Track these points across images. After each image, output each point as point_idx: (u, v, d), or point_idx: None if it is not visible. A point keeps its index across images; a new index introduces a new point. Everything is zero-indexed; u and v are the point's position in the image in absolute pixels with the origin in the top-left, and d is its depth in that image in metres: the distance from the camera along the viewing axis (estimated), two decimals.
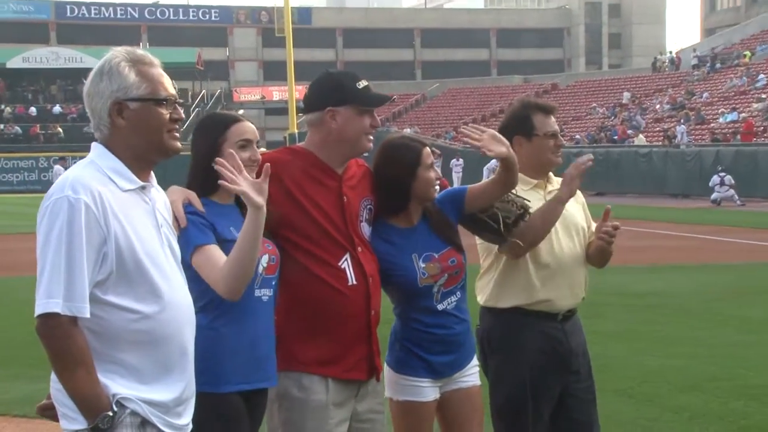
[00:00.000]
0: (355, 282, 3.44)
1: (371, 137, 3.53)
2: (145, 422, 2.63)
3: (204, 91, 58.08)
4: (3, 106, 54.11)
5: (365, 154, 3.66)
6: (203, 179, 3.30)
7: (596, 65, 76.88)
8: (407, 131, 50.30)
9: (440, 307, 3.66)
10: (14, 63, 56.40)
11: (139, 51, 2.78)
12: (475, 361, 3.86)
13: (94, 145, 2.77)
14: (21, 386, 7.22)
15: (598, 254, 4.15)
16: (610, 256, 4.22)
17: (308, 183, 3.46)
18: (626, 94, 50.17)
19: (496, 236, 3.84)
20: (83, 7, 70.85)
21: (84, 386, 2.54)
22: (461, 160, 38.81)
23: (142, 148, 2.73)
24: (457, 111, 57.93)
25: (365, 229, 3.58)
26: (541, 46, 78.13)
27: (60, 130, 51.17)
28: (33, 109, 54.03)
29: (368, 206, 3.61)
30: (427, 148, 3.74)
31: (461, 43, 76.35)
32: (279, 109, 57.47)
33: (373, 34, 75.44)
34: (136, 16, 71.77)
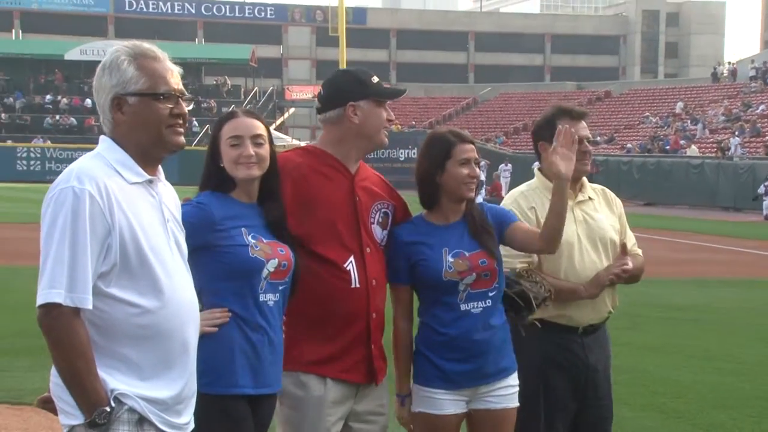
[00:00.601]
0: (358, 285, 3.43)
1: (387, 132, 3.57)
2: (142, 419, 2.61)
3: (256, 88, 58.35)
4: (59, 97, 54.89)
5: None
6: (215, 178, 3.29)
7: (652, 74, 76.05)
8: None
9: (463, 307, 3.56)
10: (72, 55, 57.17)
11: (146, 45, 2.75)
12: (511, 381, 3.67)
13: (102, 137, 2.76)
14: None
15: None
16: (641, 273, 4.12)
17: (320, 182, 3.45)
18: (680, 104, 49.55)
19: (516, 315, 3.75)
20: (141, 2, 71.73)
21: (83, 379, 2.52)
22: (509, 165, 38.60)
23: (143, 143, 2.71)
24: (508, 116, 57.66)
25: (377, 232, 3.56)
26: (596, 53, 77.47)
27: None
28: (88, 101, 54.61)
29: (383, 210, 3.60)
30: (467, 145, 3.65)
31: (515, 48, 75.97)
32: None
33: (427, 36, 75.35)
34: (193, 11, 72.45)
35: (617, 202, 4.23)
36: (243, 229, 3.22)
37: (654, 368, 8.30)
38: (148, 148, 2.72)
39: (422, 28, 76.07)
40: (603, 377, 4.05)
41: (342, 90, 3.52)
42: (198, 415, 2.82)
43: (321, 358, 3.39)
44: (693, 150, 40.09)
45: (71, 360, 2.52)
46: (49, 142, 48.72)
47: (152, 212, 2.70)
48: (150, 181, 2.73)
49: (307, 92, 62.66)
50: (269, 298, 3.23)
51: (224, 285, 3.18)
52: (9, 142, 49.12)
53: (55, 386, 2.61)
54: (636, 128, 49.43)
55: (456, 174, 3.60)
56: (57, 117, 53.21)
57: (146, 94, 2.69)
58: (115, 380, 2.58)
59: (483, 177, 28.28)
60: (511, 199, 4.07)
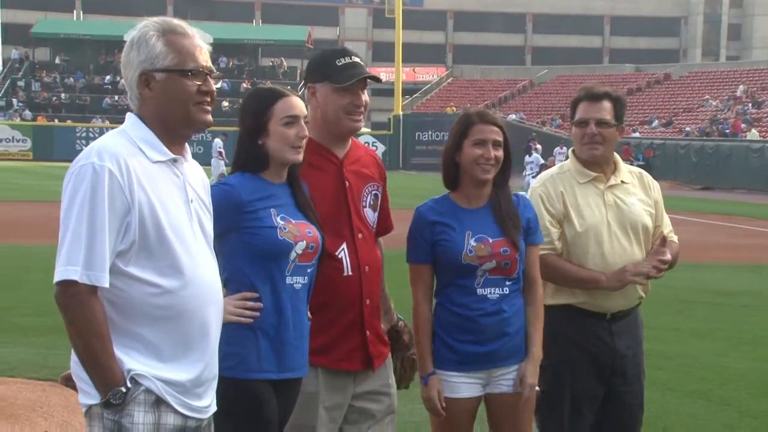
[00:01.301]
0: (350, 272, 3.37)
1: (356, 117, 3.41)
2: (159, 401, 2.58)
3: None
4: (119, 78, 55.35)
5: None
6: (251, 156, 3.23)
7: (713, 56, 74.67)
8: (512, 117, 49.83)
9: (480, 291, 3.53)
10: None
11: (175, 21, 2.70)
12: None
13: (128, 114, 2.73)
14: None
15: None
16: (675, 262, 4.01)
17: (308, 172, 3.34)
18: (741, 87, 48.59)
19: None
20: None
21: (98, 358, 2.50)
22: (564, 148, 38.16)
23: (169, 120, 2.67)
24: (564, 98, 56.93)
25: (369, 215, 3.50)
26: (656, 35, 76.27)
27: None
28: None
29: (373, 192, 3.53)
30: (488, 126, 3.56)
31: (573, 30, 75.07)
32: (385, 91, 57.47)
33: (484, 17, 74.79)
34: None
35: (654, 186, 4.10)
36: (272, 210, 3.17)
37: (701, 354, 8.16)
38: (175, 126, 2.68)
39: (480, 9, 75.51)
40: (632, 363, 3.96)
41: (308, 70, 3.49)
42: (220, 398, 2.79)
43: (315, 347, 3.32)
44: (753, 134, 39.33)
45: (86, 338, 2.50)
46: (107, 122, 49.38)
47: (175, 191, 2.66)
48: (174, 160, 2.69)
49: None
50: (296, 281, 3.18)
51: (251, 267, 3.14)
52: (69, 122, 49.94)
53: (75, 364, 2.60)
54: (695, 111, 48.63)
55: (469, 154, 3.55)
56: (116, 97, 53.92)
57: (174, 70, 2.64)
58: (132, 360, 2.55)
59: (541, 161, 28.02)
60: (540, 182, 3.99)
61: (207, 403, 2.72)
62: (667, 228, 4.05)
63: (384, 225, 3.65)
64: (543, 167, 27.36)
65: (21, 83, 55.81)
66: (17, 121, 50.04)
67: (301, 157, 3.21)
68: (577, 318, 3.85)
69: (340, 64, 3.38)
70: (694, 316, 10.01)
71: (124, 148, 2.60)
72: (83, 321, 2.49)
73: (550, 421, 3.90)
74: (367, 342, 3.43)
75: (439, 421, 3.60)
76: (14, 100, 53.36)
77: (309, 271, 3.23)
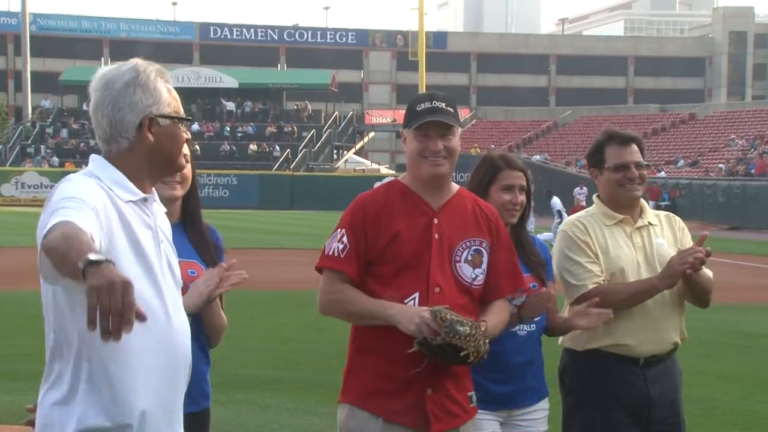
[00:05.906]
0: None
1: (433, 160, 3.28)
2: None
3: (337, 112, 58.78)
4: None
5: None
6: None
7: (739, 96, 74.48)
8: (536, 158, 49.80)
9: (510, 328, 3.56)
10: None
11: (157, 65, 2.68)
12: (543, 405, 3.79)
13: (92, 156, 2.65)
14: None
15: (688, 287, 3.85)
16: (708, 293, 3.91)
17: (397, 220, 3.29)
18: None
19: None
20: (226, 29, 73.21)
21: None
22: (585, 188, 37.96)
23: (158, 165, 2.66)
24: (588, 139, 56.85)
25: (465, 271, 3.31)
26: (681, 75, 76.27)
27: (198, 147, 52.69)
28: None
29: (474, 247, 3.34)
30: (514, 171, 3.73)
31: (597, 71, 75.23)
32: None
33: (507, 59, 75.15)
34: (276, 38, 73.55)
35: (681, 226, 4.03)
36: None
37: (725, 398, 8.00)
38: (159, 169, 2.68)
39: (503, 51, 75.91)
40: (669, 412, 3.85)
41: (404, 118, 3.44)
42: None
43: (373, 394, 3.25)
44: None
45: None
46: None
47: (147, 232, 2.60)
48: (145, 200, 2.63)
49: (386, 116, 63.05)
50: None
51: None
52: None
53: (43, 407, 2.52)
54: (721, 151, 48.38)
55: (497, 199, 3.68)
56: None
57: (177, 118, 2.65)
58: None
59: (557, 207, 27.85)
60: (568, 225, 3.94)
61: None
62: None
63: (496, 284, 3.37)
64: (559, 213, 27.36)
65: (49, 130, 56.49)
66: (45, 167, 50.55)
67: (177, 192, 3.29)
68: (608, 364, 3.78)
69: (420, 109, 3.30)
70: (719, 358, 9.83)
71: (96, 192, 2.49)
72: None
73: None
74: (425, 399, 3.23)
75: None
76: (42, 147, 53.96)
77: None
